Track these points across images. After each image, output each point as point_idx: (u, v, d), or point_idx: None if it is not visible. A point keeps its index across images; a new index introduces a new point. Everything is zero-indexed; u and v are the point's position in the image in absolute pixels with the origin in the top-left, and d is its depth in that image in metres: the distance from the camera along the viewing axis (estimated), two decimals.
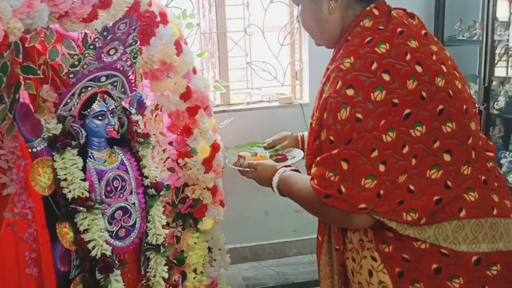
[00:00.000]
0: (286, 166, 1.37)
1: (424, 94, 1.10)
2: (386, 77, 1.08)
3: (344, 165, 1.09)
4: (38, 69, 1.59)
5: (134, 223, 1.71)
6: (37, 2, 1.41)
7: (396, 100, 1.08)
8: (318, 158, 1.15)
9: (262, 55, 3.12)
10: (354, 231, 1.22)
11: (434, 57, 1.16)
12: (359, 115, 1.08)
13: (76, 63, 1.51)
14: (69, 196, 1.53)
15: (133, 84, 1.77)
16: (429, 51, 1.16)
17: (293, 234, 3.15)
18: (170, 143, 2.27)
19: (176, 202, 2.26)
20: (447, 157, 1.12)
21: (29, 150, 1.52)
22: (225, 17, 3.03)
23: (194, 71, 2.24)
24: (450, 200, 1.12)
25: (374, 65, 1.09)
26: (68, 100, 1.56)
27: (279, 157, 1.62)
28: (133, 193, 1.72)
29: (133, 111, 1.81)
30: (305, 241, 3.11)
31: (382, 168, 1.08)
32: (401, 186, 1.10)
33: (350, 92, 1.09)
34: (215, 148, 2.32)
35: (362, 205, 1.09)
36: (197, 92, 2.22)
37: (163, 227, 1.79)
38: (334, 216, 1.15)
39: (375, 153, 1.08)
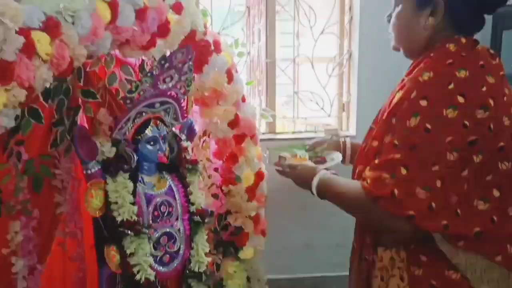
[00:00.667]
0: (326, 169, 1.40)
1: (492, 126, 1.10)
2: (460, 99, 1.10)
3: (403, 171, 1.10)
4: (97, 93, 1.65)
5: (178, 249, 1.72)
6: (102, 30, 1.46)
7: (467, 123, 1.08)
8: (376, 161, 1.16)
9: (309, 85, 3.12)
10: (385, 248, 1.22)
11: (505, 98, 1.16)
12: (428, 125, 1.09)
13: (134, 89, 1.56)
14: (119, 219, 1.56)
15: (185, 111, 1.80)
16: (502, 91, 1.17)
17: (333, 269, 3.07)
18: (216, 170, 2.28)
19: (218, 229, 2.26)
20: (496, 193, 1.12)
21: (84, 171, 1.56)
22: (275, 45, 3.06)
23: (243, 99, 2.26)
24: (491, 238, 1.12)
25: (451, 86, 1.11)
26: (123, 125, 1.60)
27: (318, 159, 1.63)
28: (179, 219, 1.74)
29: (183, 137, 1.84)
30: (346, 277, 3.02)
31: (438, 183, 1.08)
32: (451, 207, 1.09)
33: (423, 102, 1.11)
34: (259, 176, 2.32)
35: (411, 212, 1.09)
36: (245, 120, 2.23)
37: (205, 254, 1.79)
38: (378, 218, 1.15)
39: (436, 167, 1.08)
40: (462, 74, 1.12)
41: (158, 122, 1.67)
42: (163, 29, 1.67)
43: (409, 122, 1.11)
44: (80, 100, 1.61)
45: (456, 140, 1.08)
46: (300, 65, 3.13)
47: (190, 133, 1.94)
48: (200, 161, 2.14)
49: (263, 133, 2.99)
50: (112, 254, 1.55)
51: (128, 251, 1.55)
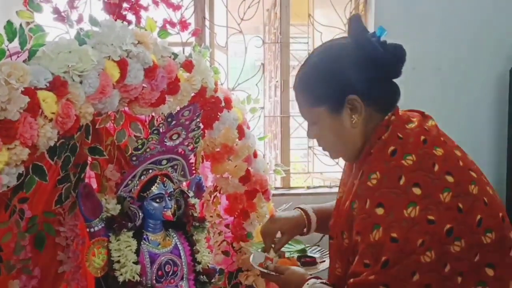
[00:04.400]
0: (316, 278, 1.27)
1: (461, 205, 1.01)
2: (416, 191, 1.01)
3: None
4: (105, 149, 1.65)
5: None
6: (110, 88, 1.48)
7: (431, 217, 0.99)
8: (351, 280, 1.05)
9: None
10: None
11: (461, 163, 1.08)
12: (393, 234, 0.99)
13: (140, 146, 1.56)
14: (120, 279, 1.51)
15: (193, 167, 1.78)
16: (454, 157, 1.09)
17: None
18: (227, 226, 2.23)
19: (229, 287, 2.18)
20: (490, 272, 1.01)
21: (87, 229, 1.54)
22: (289, 99, 3.08)
23: (255, 155, 2.24)
24: None
25: (402, 180, 1.02)
26: (129, 182, 1.59)
27: (307, 259, 1.54)
28: (184, 279, 1.68)
29: (191, 194, 1.81)
30: None
31: None
32: None
33: (380, 211, 1.02)
34: None
35: None
36: (257, 175, 2.20)
37: None
38: None
39: (416, 277, 0.98)
40: (409, 160, 1.04)
41: (165, 179, 1.65)
42: (173, 87, 1.69)
43: (372, 236, 1.01)
44: (88, 156, 1.62)
45: (427, 240, 0.98)
46: None
47: (199, 190, 1.91)
48: (210, 217, 2.11)
49: (276, 188, 2.95)
50: None
51: None
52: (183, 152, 1.68)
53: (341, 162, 3.03)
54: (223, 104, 1.96)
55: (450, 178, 1.03)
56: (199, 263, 1.72)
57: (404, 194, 1.01)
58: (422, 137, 1.09)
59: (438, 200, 1.01)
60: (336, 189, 2.94)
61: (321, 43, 1.30)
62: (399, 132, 1.10)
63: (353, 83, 1.12)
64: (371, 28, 2.97)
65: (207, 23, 2.87)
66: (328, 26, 3.06)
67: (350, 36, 1.17)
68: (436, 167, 1.04)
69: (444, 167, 1.05)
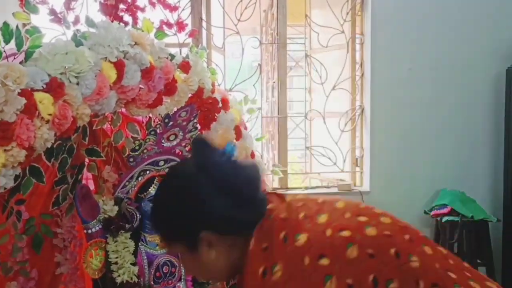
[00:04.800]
0: None
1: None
2: (325, 261, 0.91)
3: None
4: (102, 150, 1.65)
5: None
6: (107, 89, 1.48)
7: (349, 281, 0.88)
8: None
9: (322, 140, 3.10)
10: None
11: (329, 229, 0.94)
12: None
13: (137, 147, 1.56)
14: (118, 280, 1.51)
15: None
16: (320, 228, 0.96)
17: None
18: None
19: None
20: None
21: (85, 231, 1.54)
22: (287, 100, 3.08)
23: (253, 155, 2.24)
24: None
25: (306, 259, 0.91)
26: (126, 183, 1.59)
27: None
28: (182, 280, 1.68)
29: None
30: None
31: None
32: None
33: None
34: None
35: None
36: None
37: None
38: None
39: None
40: (278, 272, 0.90)
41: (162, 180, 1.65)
42: (170, 88, 1.69)
43: None
44: (85, 158, 1.62)
45: None
46: (312, 121, 3.13)
47: None
48: None
49: (274, 188, 2.95)
50: None
51: None
52: (180, 153, 1.68)
53: (339, 162, 3.03)
54: (220, 105, 1.96)
55: (325, 261, 0.91)
56: None
57: (315, 271, 0.89)
58: (282, 234, 0.96)
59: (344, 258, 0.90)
60: (334, 189, 2.96)
61: (167, 173, 1.20)
62: (263, 244, 0.97)
63: (202, 219, 0.98)
64: (367, 29, 2.98)
65: (204, 24, 2.87)
66: (325, 27, 3.06)
67: (195, 164, 1.02)
68: (307, 260, 0.92)
69: (316, 252, 0.92)
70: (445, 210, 2.81)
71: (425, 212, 2.90)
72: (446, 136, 2.99)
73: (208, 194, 0.97)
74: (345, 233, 0.93)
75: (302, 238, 0.93)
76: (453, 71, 3.01)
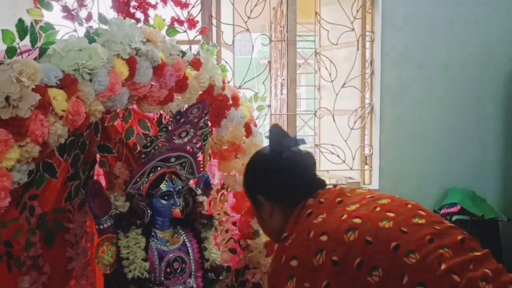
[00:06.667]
0: None
1: (335, 258, 1.03)
2: (294, 263, 1.08)
3: None
4: (114, 147, 1.66)
5: None
6: (119, 86, 1.49)
7: (307, 284, 1.05)
8: None
9: (331, 138, 3.10)
10: None
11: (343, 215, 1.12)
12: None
13: (149, 144, 1.56)
14: (129, 275, 1.52)
15: (201, 165, 1.79)
16: (335, 219, 1.12)
17: None
18: (234, 223, 2.24)
19: (235, 285, 2.18)
20: None
21: (96, 226, 1.54)
22: (296, 98, 3.08)
23: None
24: None
25: (312, 233, 1.10)
26: (138, 179, 1.60)
27: None
28: (192, 276, 1.69)
29: (199, 191, 1.82)
30: None
31: None
32: None
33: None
34: None
35: None
36: None
37: None
38: None
39: None
40: (289, 240, 1.12)
41: (173, 176, 1.66)
42: (181, 85, 1.69)
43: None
44: (97, 154, 1.63)
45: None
46: (322, 118, 3.13)
47: (206, 188, 1.92)
48: (217, 215, 2.11)
49: None
50: None
51: None
52: (191, 150, 1.69)
53: (348, 160, 3.03)
54: (230, 102, 1.96)
55: (324, 238, 1.08)
56: (207, 260, 1.73)
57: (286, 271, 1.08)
58: (308, 212, 1.17)
59: (312, 263, 1.05)
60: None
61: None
62: (297, 219, 1.19)
63: (261, 185, 1.30)
64: (378, 27, 2.96)
65: (214, 21, 2.87)
66: (334, 24, 3.05)
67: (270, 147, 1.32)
68: (312, 234, 1.10)
69: (318, 230, 1.10)
70: (455, 209, 2.80)
71: (435, 211, 2.89)
72: (456, 134, 2.98)
73: (271, 169, 1.28)
74: (356, 220, 1.09)
75: (320, 218, 1.13)
76: (464, 69, 3.00)
